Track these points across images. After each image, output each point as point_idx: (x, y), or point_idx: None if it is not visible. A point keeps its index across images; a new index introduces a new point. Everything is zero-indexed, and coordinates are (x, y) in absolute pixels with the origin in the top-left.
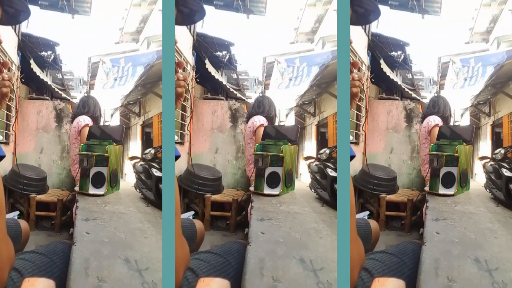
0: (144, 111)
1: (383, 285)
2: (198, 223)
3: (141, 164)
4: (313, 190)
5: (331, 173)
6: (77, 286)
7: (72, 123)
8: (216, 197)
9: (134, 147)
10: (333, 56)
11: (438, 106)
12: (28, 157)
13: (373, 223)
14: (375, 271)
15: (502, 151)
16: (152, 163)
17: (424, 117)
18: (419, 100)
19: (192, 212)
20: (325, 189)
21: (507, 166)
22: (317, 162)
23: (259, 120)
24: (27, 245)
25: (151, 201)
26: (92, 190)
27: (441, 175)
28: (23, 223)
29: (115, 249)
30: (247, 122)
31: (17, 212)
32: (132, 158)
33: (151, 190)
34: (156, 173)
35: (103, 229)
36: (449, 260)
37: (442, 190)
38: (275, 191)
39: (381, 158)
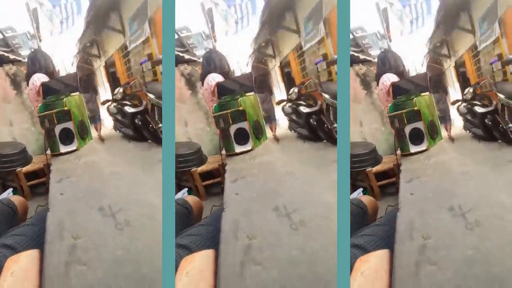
0: (103, 51)
1: (367, 261)
2: (191, 199)
3: (114, 106)
4: (292, 131)
5: (304, 110)
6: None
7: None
8: (203, 168)
9: (104, 91)
10: None
11: (388, 62)
12: None
13: (366, 199)
14: (369, 246)
15: (471, 90)
16: (123, 102)
17: (377, 79)
18: (370, 61)
19: (186, 189)
20: (303, 126)
21: (478, 103)
22: (289, 104)
23: (213, 78)
24: None
25: (131, 137)
26: (63, 149)
27: (407, 134)
28: (17, 200)
29: (90, 200)
30: (202, 85)
31: (11, 189)
32: (104, 103)
33: (129, 127)
34: (129, 110)
35: (77, 185)
36: (424, 218)
37: (413, 149)
38: (247, 147)
39: (353, 134)
